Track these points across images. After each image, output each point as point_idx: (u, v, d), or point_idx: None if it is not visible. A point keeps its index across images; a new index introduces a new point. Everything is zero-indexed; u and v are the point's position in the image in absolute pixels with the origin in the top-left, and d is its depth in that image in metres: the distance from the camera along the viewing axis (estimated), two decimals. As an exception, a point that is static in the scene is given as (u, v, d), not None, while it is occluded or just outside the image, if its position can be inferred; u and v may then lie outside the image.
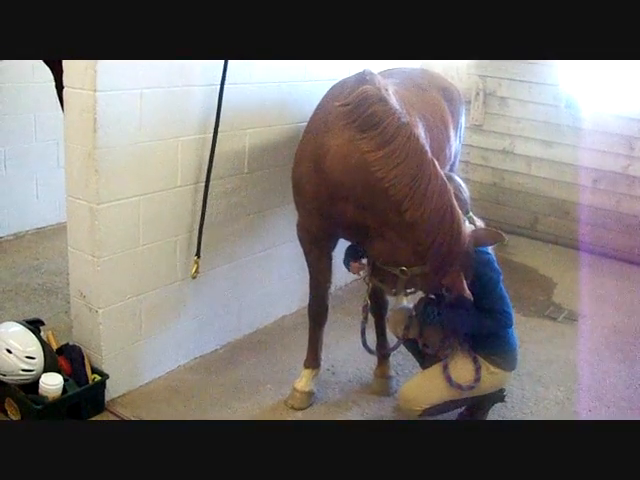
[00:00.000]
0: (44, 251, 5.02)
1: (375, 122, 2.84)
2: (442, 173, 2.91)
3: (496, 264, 3.21)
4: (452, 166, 4.07)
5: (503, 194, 6.27)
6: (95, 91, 2.88)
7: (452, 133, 3.93)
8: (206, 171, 3.42)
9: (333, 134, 2.98)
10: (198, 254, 3.53)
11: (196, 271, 3.55)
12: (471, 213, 3.26)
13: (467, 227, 2.96)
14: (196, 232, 3.51)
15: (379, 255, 3.04)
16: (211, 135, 3.39)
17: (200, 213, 3.47)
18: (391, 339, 3.66)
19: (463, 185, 3.25)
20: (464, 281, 2.89)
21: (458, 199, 3.10)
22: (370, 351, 3.40)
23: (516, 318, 4.49)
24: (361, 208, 2.97)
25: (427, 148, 2.89)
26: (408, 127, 2.86)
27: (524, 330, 4.39)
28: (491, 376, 3.13)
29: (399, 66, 4.10)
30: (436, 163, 2.89)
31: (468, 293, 2.91)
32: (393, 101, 2.91)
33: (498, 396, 3.34)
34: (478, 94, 6.07)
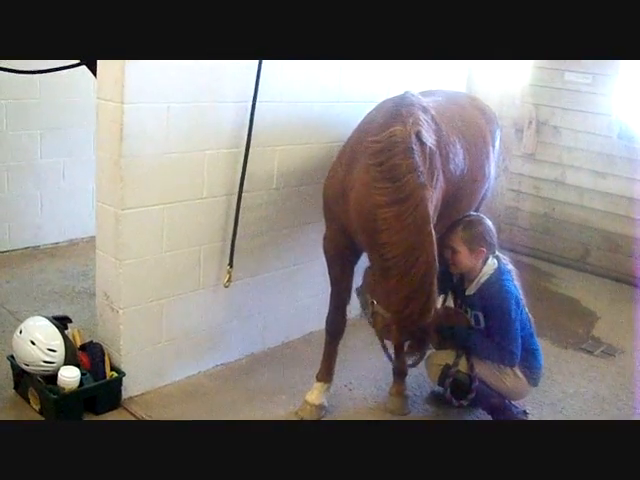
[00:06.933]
0: (94, 258, 5.24)
1: (395, 176, 2.91)
2: (435, 246, 2.95)
3: (520, 302, 3.37)
4: (487, 189, 4.08)
5: (554, 225, 6.17)
6: (122, 103, 3.06)
7: (491, 151, 3.93)
8: (238, 184, 3.54)
9: (360, 170, 3.10)
10: (231, 264, 3.62)
11: (228, 280, 3.63)
12: (498, 253, 3.45)
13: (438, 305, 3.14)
14: (221, 243, 3.63)
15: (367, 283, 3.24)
16: (237, 150, 3.53)
17: (232, 224, 3.58)
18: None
19: (491, 227, 3.45)
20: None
21: (485, 242, 3.38)
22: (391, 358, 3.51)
23: (550, 349, 4.48)
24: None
25: (430, 216, 2.94)
26: (423, 189, 2.91)
27: (555, 361, 4.32)
28: (515, 379, 3.44)
29: (439, 88, 4.16)
30: (433, 233, 2.94)
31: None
32: (417, 154, 2.96)
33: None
34: (531, 122, 6.02)
